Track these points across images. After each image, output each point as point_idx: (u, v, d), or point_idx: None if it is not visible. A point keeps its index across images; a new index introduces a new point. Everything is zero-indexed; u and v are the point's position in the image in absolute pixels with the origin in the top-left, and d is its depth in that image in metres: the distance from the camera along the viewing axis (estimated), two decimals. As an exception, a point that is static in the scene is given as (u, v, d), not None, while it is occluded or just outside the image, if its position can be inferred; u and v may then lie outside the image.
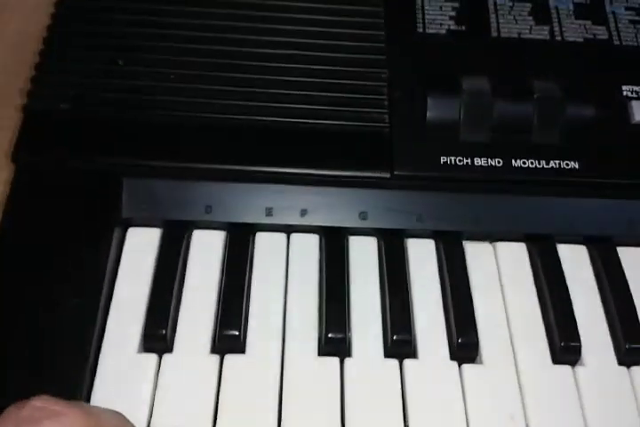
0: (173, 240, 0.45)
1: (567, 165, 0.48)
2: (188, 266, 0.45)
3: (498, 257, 0.47)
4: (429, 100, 0.48)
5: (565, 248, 0.48)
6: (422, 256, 0.47)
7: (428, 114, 0.48)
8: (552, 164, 0.48)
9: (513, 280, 0.46)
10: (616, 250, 0.47)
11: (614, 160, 0.48)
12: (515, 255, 0.47)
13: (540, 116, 0.48)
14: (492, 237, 0.48)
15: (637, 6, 0.56)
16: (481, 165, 0.48)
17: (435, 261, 0.46)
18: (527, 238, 0.48)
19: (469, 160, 0.48)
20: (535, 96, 0.48)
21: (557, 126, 0.48)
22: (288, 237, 0.47)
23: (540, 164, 0.48)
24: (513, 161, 0.48)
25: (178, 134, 0.47)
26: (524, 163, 0.48)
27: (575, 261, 0.47)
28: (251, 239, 0.46)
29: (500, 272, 0.46)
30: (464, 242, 0.47)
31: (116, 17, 0.51)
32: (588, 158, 0.48)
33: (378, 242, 0.47)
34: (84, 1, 0.52)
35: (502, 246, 0.47)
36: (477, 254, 0.47)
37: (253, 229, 0.47)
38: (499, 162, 0.48)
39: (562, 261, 0.47)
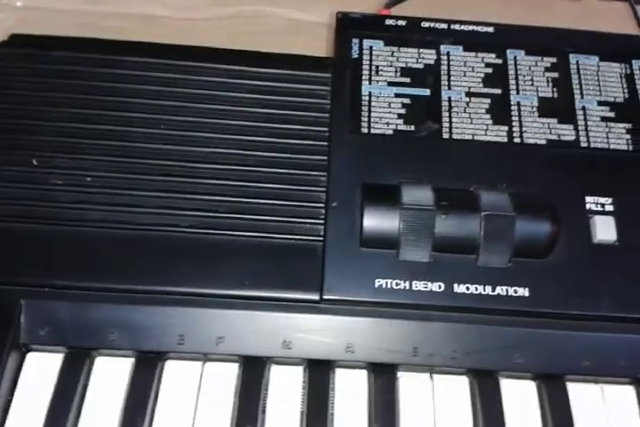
0: (73, 368, 0.43)
1: (515, 292, 0.46)
2: (87, 395, 0.43)
3: (435, 391, 0.45)
4: (365, 213, 0.46)
5: (512, 384, 0.45)
6: (351, 389, 0.44)
7: (363, 229, 0.46)
8: (499, 290, 0.46)
9: (449, 415, 0.43)
10: (566, 388, 0.45)
11: (570, 288, 0.46)
12: (455, 390, 0.45)
13: (486, 236, 0.45)
14: (433, 369, 0.45)
15: (612, 100, 0.54)
16: (420, 290, 0.45)
17: (365, 394, 0.44)
18: (468, 372, 0.45)
19: (407, 284, 0.46)
20: (482, 213, 0.46)
21: (506, 247, 0.46)
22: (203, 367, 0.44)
23: (485, 289, 0.46)
24: (455, 286, 0.46)
25: (83, 249, 0.45)
26: (468, 288, 0.46)
27: (522, 398, 0.45)
28: (159, 368, 0.43)
29: (436, 406, 0.44)
30: (399, 373, 0.45)
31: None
32: (540, 285, 0.46)
33: (304, 372, 0.44)
34: None
35: (440, 379, 0.45)
36: (413, 387, 0.44)
37: (163, 357, 0.44)
38: (439, 286, 0.46)
39: (505, 397, 0.44)
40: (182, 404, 0.43)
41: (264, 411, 0.43)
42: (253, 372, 0.44)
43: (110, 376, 0.43)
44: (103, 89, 0.51)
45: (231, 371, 0.44)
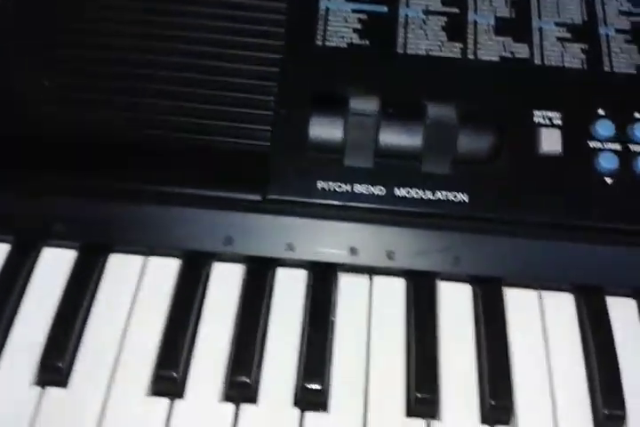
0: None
1: (455, 197, 0.47)
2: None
3: (372, 292, 0.46)
4: (312, 120, 0.47)
5: (448, 286, 0.46)
6: (290, 288, 0.45)
7: (309, 134, 0.47)
8: (439, 194, 0.47)
9: (385, 316, 0.44)
10: (502, 292, 0.45)
11: (510, 195, 0.46)
12: (392, 290, 0.45)
13: (429, 143, 0.47)
14: (372, 270, 0.47)
15: (570, 22, 0.55)
16: (362, 193, 0.47)
17: (303, 294, 0.45)
18: (405, 274, 0.47)
19: (349, 187, 0.47)
20: (426, 120, 0.47)
21: (449, 154, 0.47)
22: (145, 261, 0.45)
23: (425, 194, 0.47)
24: (396, 189, 0.47)
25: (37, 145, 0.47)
26: (409, 192, 0.47)
27: (458, 301, 0.45)
28: (102, 261, 0.45)
29: (372, 307, 0.45)
30: (339, 274, 0.47)
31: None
32: (481, 191, 0.47)
33: (244, 270, 0.46)
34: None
35: (379, 281, 0.46)
36: (350, 287, 0.45)
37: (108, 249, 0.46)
38: (381, 190, 0.47)
39: (441, 299, 0.45)
40: (121, 296, 0.44)
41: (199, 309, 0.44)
42: (195, 268, 0.45)
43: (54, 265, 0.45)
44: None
45: (174, 266, 0.46)
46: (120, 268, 0.45)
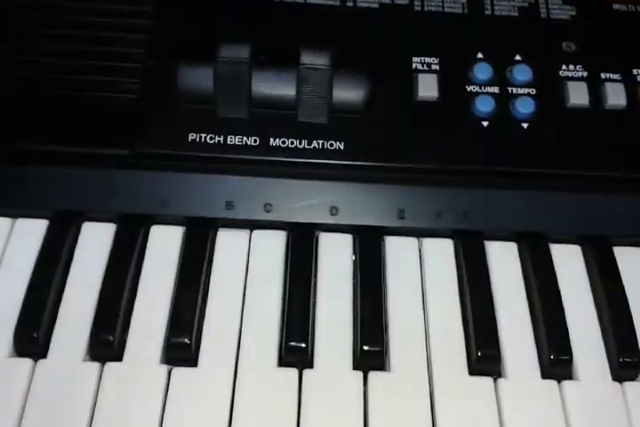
0: None
1: (332, 145, 0.46)
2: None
3: (251, 246, 0.45)
4: (182, 70, 0.46)
5: (328, 237, 0.45)
6: (165, 244, 0.45)
7: (178, 85, 0.46)
8: (315, 144, 0.46)
9: (262, 270, 0.43)
10: (382, 240, 0.45)
11: (386, 142, 0.46)
12: (272, 244, 0.44)
13: (301, 90, 0.46)
14: (252, 224, 0.46)
15: (453, -33, 0.55)
16: (234, 144, 0.46)
17: (178, 249, 0.44)
18: (286, 226, 0.46)
19: (222, 138, 0.46)
20: (298, 67, 0.46)
21: (323, 102, 0.46)
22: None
23: (301, 143, 0.46)
24: (271, 140, 0.46)
25: None
26: (284, 142, 0.46)
27: (337, 251, 0.45)
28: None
29: (250, 260, 0.43)
30: (220, 229, 0.46)
31: None
32: (357, 139, 0.46)
33: (115, 229, 0.45)
34: None
35: (259, 235, 0.45)
36: (231, 243, 0.44)
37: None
38: (255, 140, 0.46)
39: (321, 250, 0.44)
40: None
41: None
42: (62, 228, 0.44)
43: None
44: None
45: (41, 225, 0.44)
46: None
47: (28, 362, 0.39)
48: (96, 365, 0.39)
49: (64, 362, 0.39)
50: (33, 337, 0.39)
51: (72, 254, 0.44)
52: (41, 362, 0.39)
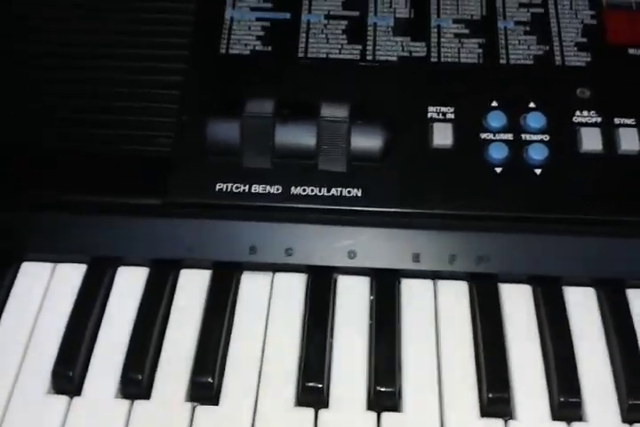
0: None
1: (349, 192, 0.48)
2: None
3: (273, 288, 0.47)
4: (209, 124, 0.49)
5: (347, 280, 0.47)
6: (193, 287, 0.47)
7: (207, 138, 0.49)
8: (334, 191, 0.48)
9: (283, 312, 0.45)
10: (398, 283, 0.47)
11: (403, 188, 0.48)
12: (292, 286, 0.47)
13: (321, 141, 0.48)
14: (274, 267, 0.48)
15: (468, 18, 0.56)
16: (258, 193, 0.48)
17: (204, 291, 0.47)
18: (308, 270, 0.48)
19: (247, 187, 0.48)
20: (318, 120, 0.48)
21: (341, 151, 0.48)
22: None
23: (320, 191, 0.48)
24: (292, 188, 0.48)
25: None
26: (304, 190, 0.48)
27: (356, 293, 0.46)
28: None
29: (271, 302, 0.46)
30: (244, 273, 0.48)
31: None
32: (374, 186, 0.48)
33: (148, 273, 0.48)
34: None
35: (280, 277, 0.48)
36: (254, 286, 0.46)
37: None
38: (277, 189, 0.49)
39: (339, 293, 0.47)
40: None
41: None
42: (99, 273, 0.47)
43: None
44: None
45: (80, 270, 0.47)
46: (29, 276, 0.47)
47: (64, 399, 0.42)
48: (126, 402, 0.42)
49: (98, 399, 0.42)
50: (69, 375, 0.42)
51: (108, 296, 0.47)
52: (76, 399, 0.42)
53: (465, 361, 0.44)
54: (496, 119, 0.51)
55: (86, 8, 0.56)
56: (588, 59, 0.54)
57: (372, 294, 0.47)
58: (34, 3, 0.55)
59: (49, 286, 0.47)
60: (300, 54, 0.54)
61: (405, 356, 0.44)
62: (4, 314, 0.46)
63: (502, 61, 0.54)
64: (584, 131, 0.51)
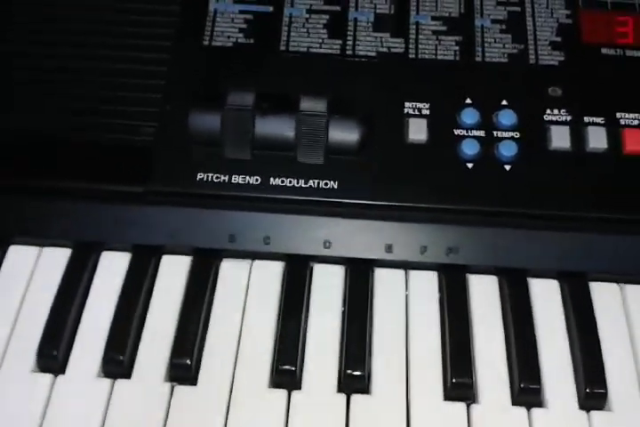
0: None
1: (326, 184, 0.50)
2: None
3: (251, 275, 0.49)
4: (190, 115, 0.51)
5: (322, 268, 0.49)
6: (173, 272, 0.49)
7: (189, 128, 0.51)
8: (311, 183, 0.50)
9: (262, 299, 0.47)
10: (371, 273, 0.49)
11: (377, 181, 0.50)
12: (270, 274, 0.49)
13: (300, 134, 0.50)
14: (252, 255, 0.50)
15: (446, 15, 0.58)
16: (238, 183, 0.50)
17: (185, 277, 0.49)
18: (286, 258, 0.50)
19: (227, 177, 0.50)
20: (298, 113, 0.50)
21: (319, 144, 0.50)
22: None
23: (298, 182, 0.50)
24: (272, 179, 0.50)
25: None
26: (283, 181, 0.50)
27: (330, 282, 0.48)
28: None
29: (249, 288, 0.48)
30: (223, 260, 0.50)
31: None
32: (349, 178, 0.50)
33: (130, 258, 0.50)
34: None
35: (258, 265, 0.50)
36: (233, 273, 0.48)
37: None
38: (257, 180, 0.50)
39: (315, 281, 0.48)
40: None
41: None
42: (83, 257, 0.48)
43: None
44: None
45: (64, 254, 0.49)
46: (16, 259, 0.49)
47: (48, 377, 0.44)
48: (108, 381, 0.44)
49: (81, 378, 0.44)
50: (53, 355, 0.43)
51: (92, 279, 0.49)
52: (60, 377, 0.44)
53: (432, 347, 0.47)
54: (469, 116, 0.53)
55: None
56: (562, 58, 0.56)
57: (345, 281, 0.50)
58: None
59: (35, 269, 0.49)
60: (282, 48, 0.55)
61: (376, 341, 0.47)
62: None
63: (478, 59, 0.56)
64: (554, 129, 0.53)
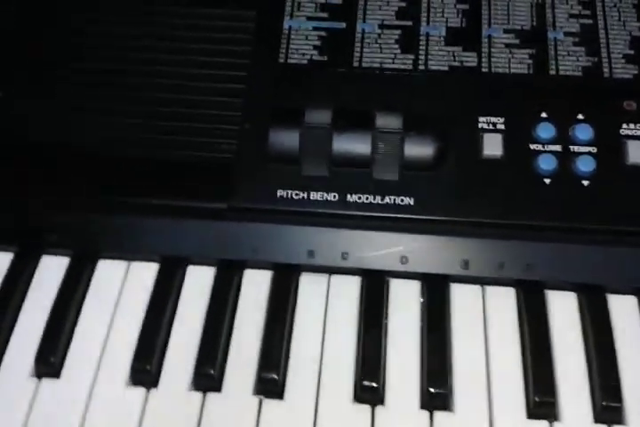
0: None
1: (402, 200, 0.51)
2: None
3: (330, 290, 0.50)
4: (271, 133, 0.52)
5: (399, 283, 0.50)
6: (255, 288, 0.50)
7: (269, 146, 0.52)
8: (387, 199, 0.51)
9: (340, 314, 0.48)
10: (448, 288, 0.50)
11: (453, 197, 0.50)
12: (347, 288, 0.50)
13: (377, 151, 0.51)
14: (330, 270, 0.51)
15: (519, 28, 0.57)
16: (317, 200, 0.51)
17: (266, 293, 0.50)
18: (363, 273, 0.51)
19: (305, 194, 0.51)
20: (374, 130, 0.51)
21: (396, 161, 0.51)
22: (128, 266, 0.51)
23: (375, 199, 0.51)
24: (349, 196, 0.51)
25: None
26: (360, 198, 0.51)
27: (406, 297, 0.49)
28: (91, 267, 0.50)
29: (328, 303, 0.49)
30: (302, 274, 0.51)
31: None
32: (426, 195, 0.50)
33: (215, 273, 0.51)
34: None
35: (336, 279, 0.51)
36: (312, 287, 0.49)
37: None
38: (334, 196, 0.51)
39: (392, 297, 0.49)
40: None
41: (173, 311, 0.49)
42: (170, 271, 0.50)
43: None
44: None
45: (152, 268, 0.51)
46: (105, 274, 0.51)
47: (142, 391, 0.46)
48: (199, 394, 0.46)
49: (173, 392, 0.45)
50: (147, 369, 0.45)
51: (179, 294, 0.50)
52: (153, 391, 0.46)
53: (512, 364, 0.47)
54: (545, 130, 0.53)
55: (148, 13, 0.58)
56: (636, 71, 0.55)
57: (422, 297, 0.51)
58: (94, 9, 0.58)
59: (125, 283, 0.51)
60: (355, 64, 0.56)
61: (456, 357, 0.47)
62: (85, 307, 0.49)
63: (552, 72, 0.55)
64: (630, 143, 0.52)
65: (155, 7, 0.58)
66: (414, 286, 0.50)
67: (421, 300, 0.50)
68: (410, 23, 0.57)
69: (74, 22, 0.58)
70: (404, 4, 0.58)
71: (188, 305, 0.49)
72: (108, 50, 0.56)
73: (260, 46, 0.56)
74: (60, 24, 0.57)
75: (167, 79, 0.56)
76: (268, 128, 0.52)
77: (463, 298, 0.50)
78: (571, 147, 0.52)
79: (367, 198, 0.51)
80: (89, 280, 0.51)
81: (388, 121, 0.51)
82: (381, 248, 0.50)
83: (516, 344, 0.48)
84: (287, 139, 0.51)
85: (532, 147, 0.52)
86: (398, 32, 0.57)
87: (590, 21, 0.58)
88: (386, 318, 0.49)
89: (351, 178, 0.51)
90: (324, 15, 0.58)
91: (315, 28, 0.57)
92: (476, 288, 0.50)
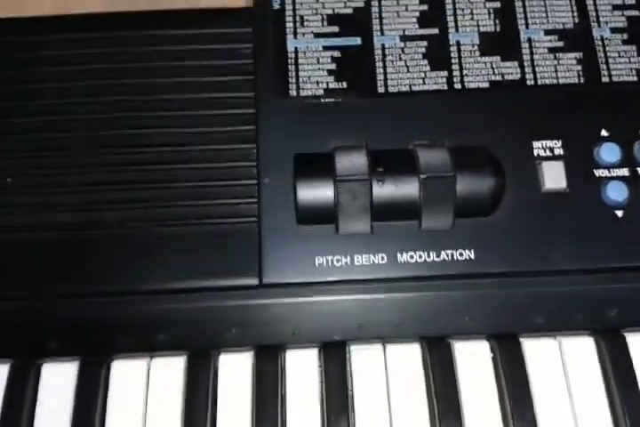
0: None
1: (461, 255, 0.44)
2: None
3: (387, 361, 0.43)
4: (298, 188, 0.43)
5: (465, 346, 0.44)
6: (302, 369, 0.43)
7: (298, 205, 0.44)
8: (444, 255, 0.44)
9: (403, 385, 0.42)
10: (520, 345, 0.44)
11: (518, 245, 0.43)
12: (407, 355, 0.43)
13: (426, 199, 0.43)
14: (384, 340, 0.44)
15: (560, 28, 0.49)
16: (362, 264, 0.44)
17: (317, 370, 0.43)
18: (421, 339, 0.44)
19: (348, 259, 0.44)
20: (420, 176, 0.43)
21: (449, 209, 0.43)
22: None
23: (429, 256, 0.44)
24: (399, 255, 0.44)
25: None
26: (412, 257, 0.44)
27: (476, 359, 0.43)
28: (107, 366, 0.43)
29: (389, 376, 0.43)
30: (351, 347, 0.44)
31: None
32: (486, 245, 0.44)
33: (252, 358, 0.43)
34: None
35: (392, 348, 0.44)
36: (365, 360, 0.43)
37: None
38: (382, 258, 0.44)
39: (459, 360, 0.43)
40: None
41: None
42: (202, 362, 0.43)
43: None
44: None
45: (179, 362, 0.43)
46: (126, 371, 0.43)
47: None
48: None
49: None
50: None
51: (216, 386, 0.42)
52: None
53: (601, 416, 0.42)
54: (609, 152, 0.46)
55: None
56: (700, 68, 0.50)
57: (495, 356, 0.44)
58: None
59: (148, 382, 0.43)
60: (380, 89, 0.47)
61: (539, 412, 0.41)
62: (110, 408, 0.42)
63: (604, 79, 0.48)
64: None
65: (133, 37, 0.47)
66: (483, 347, 0.43)
67: (491, 355, 0.45)
68: (436, 31, 0.49)
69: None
70: (425, 8, 0.49)
71: (228, 398, 0.41)
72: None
73: (264, 76, 0.46)
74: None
75: (157, 128, 0.45)
76: (293, 182, 0.44)
77: (540, 352, 0.43)
78: (638, 169, 0.47)
79: (420, 256, 0.43)
80: (106, 383, 0.42)
81: (433, 163, 0.43)
82: (442, 311, 0.44)
83: (602, 396, 0.43)
84: (319, 195, 0.42)
85: (597, 173, 0.46)
86: (424, 44, 0.48)
87: (636, 13, 0.50)
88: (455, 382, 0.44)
89: (397, 233, 0.43)
90: (334, 29, 0.48)
91: (325, 48, 0.48)
92: (551, 342, 0.43)
